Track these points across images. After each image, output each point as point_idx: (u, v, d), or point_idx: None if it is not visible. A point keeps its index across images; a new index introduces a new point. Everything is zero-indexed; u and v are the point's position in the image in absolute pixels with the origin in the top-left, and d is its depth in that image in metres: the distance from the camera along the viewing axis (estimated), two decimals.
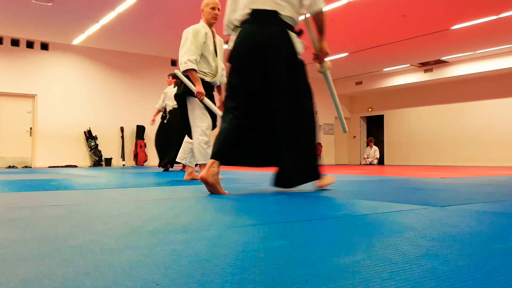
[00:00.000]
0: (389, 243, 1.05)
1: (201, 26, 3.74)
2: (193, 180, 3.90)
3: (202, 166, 3.66)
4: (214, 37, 3.81)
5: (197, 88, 3.63)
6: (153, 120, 7.35)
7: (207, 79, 3.75)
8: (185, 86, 3.69)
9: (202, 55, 3.70)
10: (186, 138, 4.00)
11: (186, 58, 3.59)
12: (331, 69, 2.81)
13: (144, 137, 11.89)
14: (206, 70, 3.75)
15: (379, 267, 0.81)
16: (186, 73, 3.64)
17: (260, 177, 4.53)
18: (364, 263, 0.85)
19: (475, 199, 2.18)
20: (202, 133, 3.68)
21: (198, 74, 3.66)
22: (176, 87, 3.83)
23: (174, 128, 6.69)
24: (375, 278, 0.74)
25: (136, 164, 11.70)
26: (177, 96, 3.78)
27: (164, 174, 5.64)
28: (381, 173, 5.98)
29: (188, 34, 3.67)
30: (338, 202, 2.07)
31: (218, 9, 3.79)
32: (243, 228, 1.28)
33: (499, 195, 2.43)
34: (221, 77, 3.83)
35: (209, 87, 3.77)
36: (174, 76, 6.92)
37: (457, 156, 13.11)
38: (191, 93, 3.68)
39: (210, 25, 3.80)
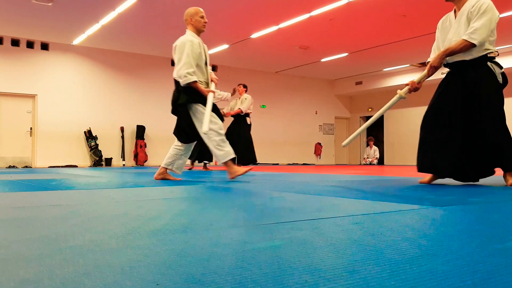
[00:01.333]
0: (389, 243, 1.05)
1: (193, 37, 3.79)
2: (163, 180, 3.93)
3: (228, 164, 3.74)
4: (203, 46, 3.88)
5: (207, 91, 3.72)
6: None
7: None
8: (186, 94, 3.71)
9: (197, 65, 3.75)
10: (176, 142, 4.00)
11: (185, 72, 3.65)
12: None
13: (144, 137, 11.89)
14: (202, 79, 3.79)
15: (379, 267, 0.82)
16: (189, 85, 3.69)
17: (261, 177, 4.53)
18: (364, 263, 0.85)
19: (475, 199, 2.18)
20: (217, 134, 3.71)
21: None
22: (176, 97, 3.81)
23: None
24: (375, 278, 0.74)
25: (136, 164, 11.71)
26: (180, 106, 3.77)
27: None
28: (381, 173, 5.98)
29: (184, 46, 3.69)
30: (339, 202, 2.07)
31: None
32: (243, 228, 1.28)
33: (499, 195, 2.43)
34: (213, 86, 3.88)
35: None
36: (245, 85, 7.91)
37: None
38: (192, 101, 3.72)
39: (199, 33, 3.86)
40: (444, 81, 3.29)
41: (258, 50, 11.66)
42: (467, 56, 3.09)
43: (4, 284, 0.70)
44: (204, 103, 3.73)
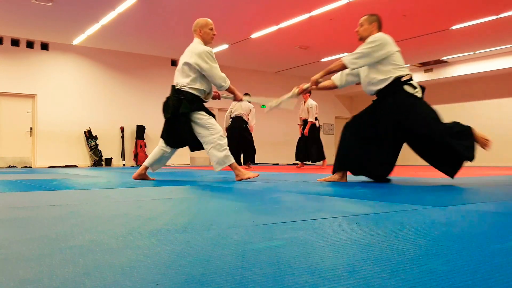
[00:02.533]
0: (389, 243, 1.05)
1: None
2: (143, 180, 3.99)
3: (234, 167, 3.81)
4: None
5: (238, 95, 3.99)
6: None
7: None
8: (190, 103, 3.75)
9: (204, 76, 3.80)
10: (162, 143, 4.00)
11: (225, 76, 3.81)
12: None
13: (144, 137, 11.89)
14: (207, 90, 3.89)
15: (379, 267, 0.81)
16: (228, 89, 3.89)
17: (261, 177, 4.53)
18: (364, 263, 0.85)
19: (475, 199, 2.18)
20: (220, 138, 3.77)
21: (199, 95, 3.82)
22: (176, 105, 3.83)
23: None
24: (375, 278, 0.74)
25: (136, 164, 11.70)
26: (183, 115, 3.77)
27: (164, 174, 5.63)
28: None
29: (211, 53, 3.78)
30: (339, 202, 2.07)
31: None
32: (243, 228, 1.28)
33: (499, 195, 2.43)
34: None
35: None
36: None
37: None
38: (196, 109, 3.78)
39: (206, 45, 3.90)
40: (374, 101, 3.58)
41: (258, 50, 11.66)
42: (376, 87, 3.42)
43: (4, 284, 0.70)
44: (205, 110, 3.82)
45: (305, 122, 8.79)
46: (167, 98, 3.94)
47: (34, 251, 0.96)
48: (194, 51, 3.76)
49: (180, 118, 3.79)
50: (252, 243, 1.05)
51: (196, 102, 3.78)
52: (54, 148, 10.73)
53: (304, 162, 9.07)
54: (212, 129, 3.78)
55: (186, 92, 3.77)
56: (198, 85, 3.78)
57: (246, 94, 7.98)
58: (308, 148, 8.75)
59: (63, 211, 1.71)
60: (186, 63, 3.77)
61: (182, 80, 3.80)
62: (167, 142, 3.95)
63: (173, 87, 3.87)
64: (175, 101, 3.80)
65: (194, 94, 3.77)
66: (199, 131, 3.80)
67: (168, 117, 3.87)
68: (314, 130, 8.81)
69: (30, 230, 1.25)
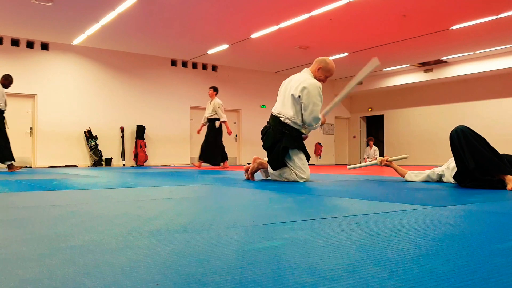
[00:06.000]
0: (389, 243, 1.05)
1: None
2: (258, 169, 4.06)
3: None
4: None
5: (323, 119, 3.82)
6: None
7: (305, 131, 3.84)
8: (294, 141, 3.70)
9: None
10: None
11: (319, 116, 3.72)
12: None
13: (144, 137, 11.89)
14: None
15: (379, 267, 0.81)
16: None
17: (261, 178, 4.53)
18: (364, 263, 0.85)
19: (475, 199, 2.18)
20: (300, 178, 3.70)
21: (300, 130, 3.78)
22: (276, 137, 3.78)
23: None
24: (375, 278, 0.74)
25: (136, 164, 11.70)
26: (284, 149, 3.70)
27: (164, 174, 5.63)
28: (381, 173, 5.98)
29: (320, 90, 3.70)
30: (339, 202, 2.07)
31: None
32: (243, 228, 1.28)
33: (499, 195, 2.43)
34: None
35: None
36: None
37: None
38: (298, 148, 3.72)
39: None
40: None
41: (258, 50, 11.65)
42: None
43: (4, 284, 0.70)
44: (304, 151, 3.78)
45: (210, 121, 8.67)
46: (267, 127, 3.89)
47: (34, 251, 0.96)
48: (303, 82, 3.66)
49: (279, 148, 3.70)
50: (252, 243, 1.05)
51: (299, 140, 3.74)
52: (54, 148, 10.73)
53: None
54: (298, 173, 3.72)
55: (290, 127, 3.72)
56: (299, 119, 3.71)
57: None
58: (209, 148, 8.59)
59: (63, 211, 1.71)
60: (293, 95, 3.68)
61: (285, 111, 3.74)
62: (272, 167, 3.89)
63: (276, 117, 3.81)
64: (277, 133, 3.74)
65: (298, 130, 3.73)
66: (289, 167, 3.72)
67: (268, 147, 3.81)
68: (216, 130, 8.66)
69: (30, 230, 1.25)
